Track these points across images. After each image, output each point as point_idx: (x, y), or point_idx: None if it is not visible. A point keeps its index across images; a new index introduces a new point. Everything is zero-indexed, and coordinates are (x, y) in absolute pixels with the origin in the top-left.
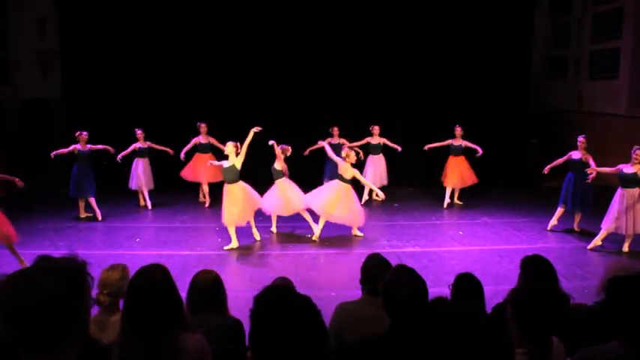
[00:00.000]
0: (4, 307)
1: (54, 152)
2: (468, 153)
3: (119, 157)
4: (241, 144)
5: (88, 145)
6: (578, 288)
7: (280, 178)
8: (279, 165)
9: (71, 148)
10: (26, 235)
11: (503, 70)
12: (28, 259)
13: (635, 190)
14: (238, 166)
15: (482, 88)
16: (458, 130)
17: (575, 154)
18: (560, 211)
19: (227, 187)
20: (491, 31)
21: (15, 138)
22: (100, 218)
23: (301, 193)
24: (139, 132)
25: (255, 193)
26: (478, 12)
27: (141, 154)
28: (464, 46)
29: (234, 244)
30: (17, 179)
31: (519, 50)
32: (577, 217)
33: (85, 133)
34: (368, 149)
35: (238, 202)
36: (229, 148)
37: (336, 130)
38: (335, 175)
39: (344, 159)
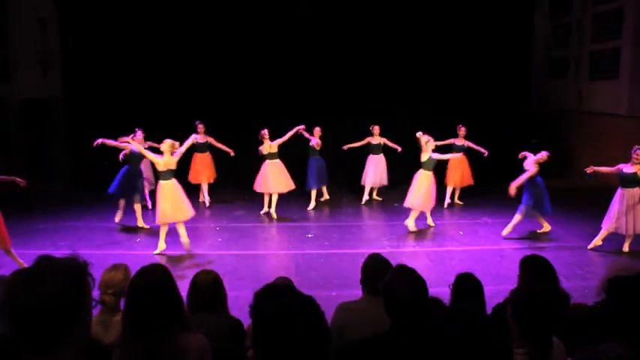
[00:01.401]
0: (5, 307)
1: (122, 154)
2: (469, 153)
3: (121, 156)
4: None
5: (148, 143)
6: (578, 288)
7: (273, 159)
8: (265, 150)
9: (125, 142)
10: (26, 235)
11: (504, 70)
12: (29, 259)
13: (635, 190)
14: (171, 165)
15: (482, 88)
16: (461, 130)
17: (529, 165)
18: (545, 221)
19: (160, 184)
20: (491, 31)
21: (15, 138)
22: (117, 220)
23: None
24: (139, 132)
25: (186, 200)
26: (478, 12)
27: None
28: (464, 46)
29: (161, 246)
30: (18, 179)
31: (519, 50)
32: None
33: (139, 132)
34: (368, 149)
35: (169, 199)
36: (165, 145)
37: (317, 131)
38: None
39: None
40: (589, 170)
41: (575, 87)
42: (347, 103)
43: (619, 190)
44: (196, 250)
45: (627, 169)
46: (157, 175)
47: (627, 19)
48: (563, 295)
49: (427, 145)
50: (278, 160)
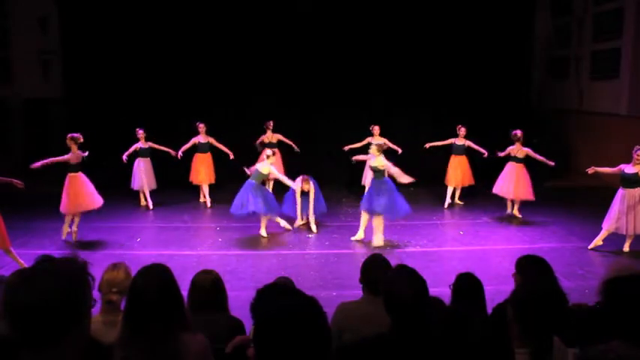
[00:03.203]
0: (5, 307)
1: (125, 154)
2: (469, 153)
3: (124, 156)
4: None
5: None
6: (578, 288)
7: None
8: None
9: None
10: (26, 234)
11: (505, 69)
12: (29, 259)
13: (635, 191)
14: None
15: (483, 87)
16: (462, 130)
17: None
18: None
19: (70, 176)
20: (492, 31)
21: (15, 138)
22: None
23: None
24: (140, 132)
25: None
26: (479, 12)
27: (142, 154)
28: (465, 45)
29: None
30: (15, 180)
31: (520, 50)
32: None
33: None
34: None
35: (76, 191)
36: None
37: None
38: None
39: None
40: (590, 171)
41: (575, 86)
42: (347, 102)
43: (620, 191)
44: (196, 250)
45: (628, 169)
46: None
47: (627, 19)
48: (562, 294)
49: None
50: (276, 150)
